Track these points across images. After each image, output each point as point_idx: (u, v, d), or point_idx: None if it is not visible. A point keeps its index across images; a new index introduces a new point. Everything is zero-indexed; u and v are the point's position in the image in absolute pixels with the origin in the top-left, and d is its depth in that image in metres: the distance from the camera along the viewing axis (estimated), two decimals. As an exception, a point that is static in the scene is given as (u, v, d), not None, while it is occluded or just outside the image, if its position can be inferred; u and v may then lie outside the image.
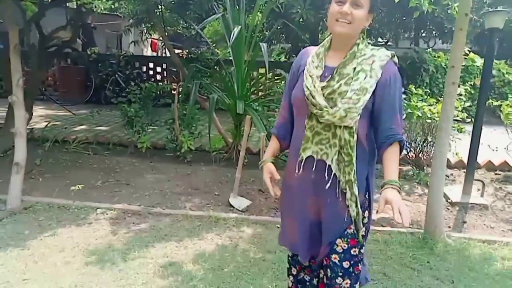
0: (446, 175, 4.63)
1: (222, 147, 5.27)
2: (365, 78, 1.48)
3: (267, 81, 6.14)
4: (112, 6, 7.28)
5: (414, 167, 4.69)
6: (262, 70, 8.17)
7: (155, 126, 5.80)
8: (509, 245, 2.97)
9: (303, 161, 1.58)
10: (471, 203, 3.79)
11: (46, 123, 5.89)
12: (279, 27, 7.97)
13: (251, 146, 5.31)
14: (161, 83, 9.88)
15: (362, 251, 1.65)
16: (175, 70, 9.86)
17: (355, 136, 1.51)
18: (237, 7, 4.77)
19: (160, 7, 6.89)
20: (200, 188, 4.11)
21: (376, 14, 1.70)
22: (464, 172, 4.24)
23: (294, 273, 1.83)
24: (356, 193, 1.53)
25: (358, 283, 1.65)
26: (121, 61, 9.86)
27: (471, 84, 6.99)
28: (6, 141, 4.94)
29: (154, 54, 14.92)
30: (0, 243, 2.77)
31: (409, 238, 3.00)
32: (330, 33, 1.59)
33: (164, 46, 13.72)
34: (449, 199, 3.90)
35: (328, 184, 1.56)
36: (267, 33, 8.90)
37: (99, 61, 9.80)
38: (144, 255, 2.67)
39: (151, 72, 10.25)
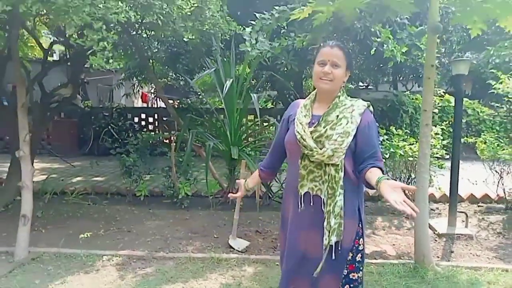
0: (432, 209, 4.93)
1: (217, 192, 5.47)
2: (347, 123, 1.77)
3: (257, 127, 6.47)
4: (105, 63, 7.69)
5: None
6: (250, 117, 8.60)
7: (151, 174, 6.01)
8: (494, 271, 3.20)
9: (302, 197, 1.83)
10: (457, 234, 4.03)
11: (44, 176, 6.06)
12: (264, 76, 8.49)
13: (245, 189, 5.53)
14: (153, 133, 10.18)
15: (360, 275, 1.86)
16: (165, 119, 10.23)
17: (341, 172, 1.77)
18: (226, 60, 5.19)
19: (151, 61, 7.32)
20: (199, 232, 4.28)
21: (353, 67, 2.04)
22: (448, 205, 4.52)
23: None
24: (333, 223, 1.76)
25: None
26: (113, 113, 10.20)
27: (447, 123, 7.43)
28: (8, 195, 5.09)
29: (145, 105, 15.37)
30: (13, 293, 2.88)
31: (401, 269, 3.21)
32: (315, 88, 1.91)
33: (155, 97, 14.23)
34: (436, 231, 4.14)
35: (323, 216, 1.79)
36: (253, 81, 9.40)
37: (92, 114, 10.12)
38: (153, 297, 2.82)
39: (143, 123, 10.57)
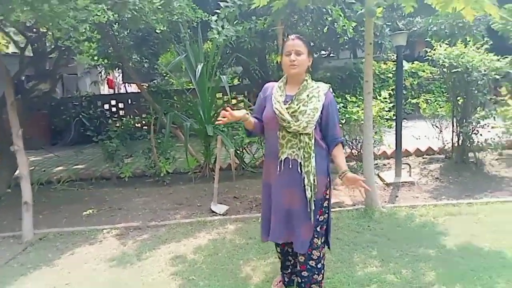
0: (384, 164, 5.68)
1: (195, 167, 6.01)
2: (317, 101, 2.30)
3: (227, 105, 6.99)
4: (91, 60, 7.85)
5: (358, 161, 5.66)
6: (219, 95, 9.03)
7: (132, 156, 6.47)
8: (426, 207, 3.97)
9: (283, 161, 2.32)
10: (402, 182, 4.79)
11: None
12: (228, 52, 8.88)
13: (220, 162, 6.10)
14: (124, 118, 10.47)
15: (325, 216, 2.42)
16: (134, 104, 10.50)
17: (313, 139, 2.31)
18: (196, 45, 5.63)
19: (120, 46, 7.57)
20: (183, 203, 4.84)
21: (313, 53, 2.53)
22: (397, 159, 5.26)
23: (279, 250, 2.60)
24: (311, 180, 2.29)
25: (322, 237, 2.42)
26: (83, 102, 10.38)
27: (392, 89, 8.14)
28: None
29: (111, 91, 15.45)
30: (32, 266, 3.36)
31: (354, 213, 3.92)
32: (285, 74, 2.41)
33: (123, 83, 14.33)
34: (385, 181, 4.88)
35: (301, 176, 2.28)
36: (220, 60, 9.77)
37: (61, 104, 10.25)
38: (153, 255, 3.40)
39: (113, 109, 10.80)
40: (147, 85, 10.46)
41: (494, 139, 5.06)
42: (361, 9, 5.46)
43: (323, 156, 2.36)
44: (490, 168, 5.09)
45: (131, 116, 10.58)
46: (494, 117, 5.03)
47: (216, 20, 4.77)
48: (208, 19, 5.04)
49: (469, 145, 5.14)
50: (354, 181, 2.29)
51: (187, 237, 3.73)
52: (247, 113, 2.40)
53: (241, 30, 5.04)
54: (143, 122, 9.72)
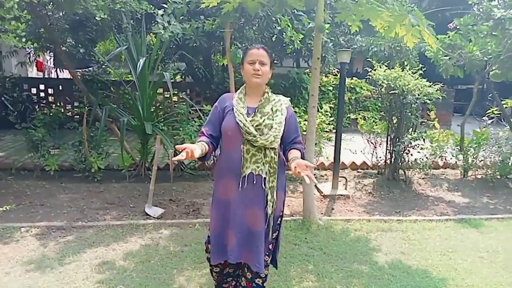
0: (321, 175, 5.81)
1: (130, 165, 5.70)
2: (281, 115, 2.23)
3: (169, 102, 6.75)
4: (18, 42, 7.13)
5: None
6: (159, 90, 8.72)
7: (60, 148, 5.97)
8: (360, 221, 4.11)
9: (246, 177, 2.18)
10: (338, 195, 4.93)
11: None
12: (172, 47, 8.62)
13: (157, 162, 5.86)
14: (53, 105, 9.72)
15: (276, 234, 2.36)
16: (65, 91, 9.79)
17: (277, 154, 2.24)
18: (138, 37, 5.35)
19: (54, 27, 6.98)
20: (115, 202, 4.55)
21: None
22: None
23: (218, 270, 2.45)
24: (275, 197, 2.22)
25: (271, 255, 2.37)
26: (6, 84, 9.46)
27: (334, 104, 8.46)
28: None
29: (40, 74, 14.31)
30: None
31: (292, 224, 3.94)
32: (243, 84, 2.32)
33: (54, 67, 13.30)
34: (322, 193, 5.00)
35: (265, 192, 2.19)
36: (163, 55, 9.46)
37: (-21, 84, 9.28)
38: (78, 259, 3.13)
39: (42, 94, 9.98)
40: (81, 72, 9.82)
41: (422, 159, 5.40)
42: (309, 22, 5.59)
43: (282, 171, 2.31)
44: (417, 187, 5.43)
45: (62, 104, 9.98)
46: (423, 139, 5.37)
47: (163, 15, 4.56)
48: (154, 12, 4.81)
49: (400, 163, 5.44)
50: (304, 167, 2.07)
51: (117, 241, 3.49)
52: (202, 147, 2.17)
53: (188, 28, 4.88)
54: (75, 111, 9.11)
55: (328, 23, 6.77)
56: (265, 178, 2.20)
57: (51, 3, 4.86)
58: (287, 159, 2.25)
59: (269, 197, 2.21)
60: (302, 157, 2.22)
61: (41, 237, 3.52)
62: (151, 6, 5.26)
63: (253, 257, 2.22)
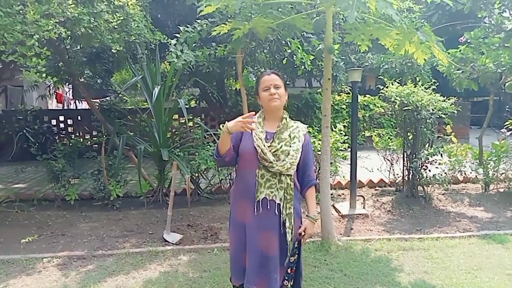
0: (339, 195, 5.77)
1: (148, 192, 5.77)
2: (298, 142, 2.25)
3: (184, 128, 6.85)
4: (39, 77, 7.44)
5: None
6: (175, 116, 8.85)
7: (79, 178, 6.09)
8: (380, 241, 4.04)
9: (260, 202, 2.18)
10: (356, 214, 4.86)
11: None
12: (186, 73, 8.82)
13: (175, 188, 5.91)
14: (72, 135, 9.98)
15: (295, 258, 2.33)
16: (84, 121, 10.05)
17: (293, 181, 2.25)
18: (153, 67, 5.51)
19: (72, 61, 7.24)
20: (134, 230, 4.59)
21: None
22: (351, 191, 5.36)
23: None
24: (293, 223, 2.23)
25: (292, 280, 2.34)
26: (28, 116, 9.78)
27: (348, 122, 8.45)
28: None
29: (60, 105, 14.74)
30: (-44, 300, 3.01)
31: (311, 246, 3.89)
32: (261, 109, 2.34)
33: (73, 99, 13.71)
34: (340, 213, 4.94)
35: (280, 218, 2.21)
36: (177, 81, 9.66)
37: (3, 118, 9.63)
38: (99, 288, 3.15)
39: (61, 125, 10.27)
40: (99, 102, 10.09)
41: (441, 174, 5.31)
42: (319, 44, 5.66)
43: (298, 198, 2.32)
44: (437, 203, 5.32)
45: (80, 134, 10.24)
46: (441, 154, 5.29)
47: (176, 44, 4.70)
48: (167, 42, 4.97)
49: (418, 179, 5.36)
50: (309, 232, 2.27)
51: (136, 269, 3.50)
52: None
53: (201, 55, 5.00)
54: (94, 141, 9.30)
55: (338, 43, 6.85)
56: (279, 204, 2.21)
57: (69, 37, 5.06)
58: (304, 193, 2.33)
59: (287, 224, 2.21)
60: (316, 189, 2.37)
61: (62, 267, 3.57)
62: (164, 36, 5.44)
63: (267, 283, 2.22)
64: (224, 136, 2.16)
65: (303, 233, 2.27)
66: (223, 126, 2.18)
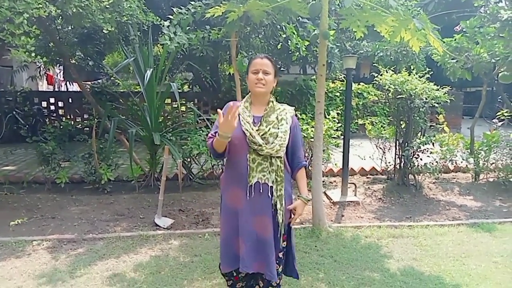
0: (330, 182, 5.79)
1: (139, 176, 5.73)
2: (286, 124, 2.24)
3: (177, 113, 6.80)
4: (28, 56, 7.28)
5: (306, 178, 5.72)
6: (167, 100, 8.77)
7: (70, 161, 6.03)
8: (370, 228, 4.07)
9: (253, 186, 2.18)
10: (347, 201, 4.89)
11: None
12: (179, 57, 8.70)
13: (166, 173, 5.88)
14: (63, 118, 9.86)
15: (287, 242, 2.35)
16: (75, 103, 9.91)
17: (283, 163, 2.25)
18: (145, 49, 5.41)
19: (62, 41, 7.09)
20: (125, 214, 4.57)
21: (279, 73, 2.43)
22: (342, 178, 5.38)
23: (230, 283, 2.46)
24: (284, 204, 2.23)
25: (282, 264, 2.36)
26: (18, 98, 9.62)
27: (342, 110, 8.44)
28: None
29: (51, 87, 14.53)
30: None
31: (302, 232, 3.92)
32: (249, 92, 2.32)
33: (64, 80, 13.51)
34: (331, 200, 4.97)
35: (272, 201, 2.21)
36: (170, 65, 9.54)
37: (-10, 99, 9.45)
38: (89, 272, 3.14)
39: (52, 107, 10.12)
40: (90, 84, 9.95)
41: (432, 163, 5.34)
42: (314, 29, 5.60)
43: (288, 180, 2.32)
44: (428, 191, 5.37)
45: (71, 117, 10.11)
46: (433, 143, 5.32)
47: (169, 26, 4.62)
48: (160, 23, 4.87)
49: (409, 168, 5.39)
50: (299, 211, 2.28)
51: (127, 253, 3.50)
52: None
53: (194, 38, 4.92)
54: (85, 123, 9.21)
55: (333, 29, 6.78)
56: (271, 186, 2.21)
57: (60, 17, 4.95)
58: (294, 175, 2.34)
59: (278, 205, 2.22)
60: (306, 171, 2.35)
61: (52, 250, 3.55)
62: (157, 17, 5.33)
63: (265, 266, 2.23)
64: (223, 142, 2.13)
65: (293, 211, 2.28)
66: (214, 113, 2.15)
